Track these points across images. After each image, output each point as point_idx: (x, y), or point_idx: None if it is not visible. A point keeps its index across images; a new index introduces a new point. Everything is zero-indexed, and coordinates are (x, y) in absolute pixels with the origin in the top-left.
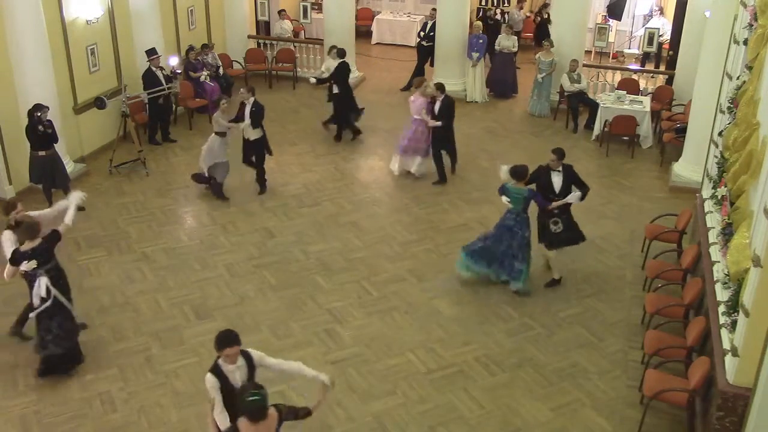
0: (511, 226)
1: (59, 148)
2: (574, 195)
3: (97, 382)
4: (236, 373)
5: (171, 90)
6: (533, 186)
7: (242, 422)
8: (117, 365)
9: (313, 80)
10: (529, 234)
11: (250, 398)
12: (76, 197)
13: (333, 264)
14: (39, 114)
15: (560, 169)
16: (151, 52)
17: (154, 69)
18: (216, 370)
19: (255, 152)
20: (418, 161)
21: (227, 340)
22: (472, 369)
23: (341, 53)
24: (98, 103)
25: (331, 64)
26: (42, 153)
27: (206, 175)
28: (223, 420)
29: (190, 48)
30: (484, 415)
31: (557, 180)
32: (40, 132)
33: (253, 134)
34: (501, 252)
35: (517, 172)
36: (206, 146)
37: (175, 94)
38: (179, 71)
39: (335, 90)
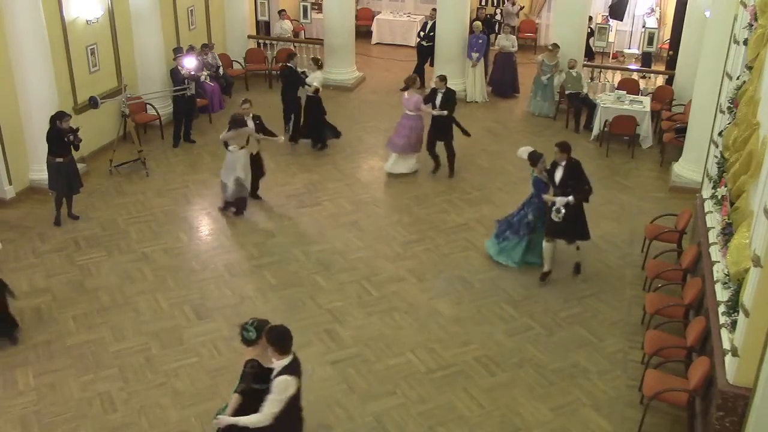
0: (524, 203)
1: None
2: (562, 199)
3: (97, 382)
4: None
5: (187, 91)
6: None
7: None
8: (117, 365)
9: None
10: (532, 217)
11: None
12: None
13: (333, 264)
14: (60, 122)
15: (564, 163)
16: (178, 51)
17: (180, 68)
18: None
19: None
20: (413, 160)
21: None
22: (472, 369)
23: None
24: (91, 102)
25: (317, 75)
26: (60, 160)
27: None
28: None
29: (190, 48)
30: (484, 415)
31: (558, 173)
32: (67, 141)
33: (256, 148)
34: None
35: (531, 157)
36: (240, 167)
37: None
38: (194, 72)
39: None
